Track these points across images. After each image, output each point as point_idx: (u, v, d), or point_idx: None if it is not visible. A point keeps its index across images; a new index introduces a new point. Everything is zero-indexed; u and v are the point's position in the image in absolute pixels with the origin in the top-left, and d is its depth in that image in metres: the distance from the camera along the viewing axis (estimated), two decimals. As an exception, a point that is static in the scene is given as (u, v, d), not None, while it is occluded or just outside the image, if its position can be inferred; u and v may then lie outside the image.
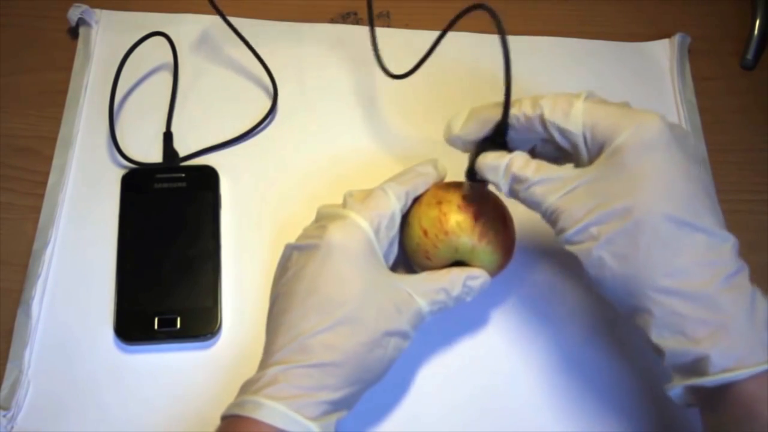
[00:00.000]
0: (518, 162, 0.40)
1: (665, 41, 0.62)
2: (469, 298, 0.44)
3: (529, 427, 0.47)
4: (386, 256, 0.44)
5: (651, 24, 0.64)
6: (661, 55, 0.62)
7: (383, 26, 0.62)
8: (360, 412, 0.43)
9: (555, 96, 0.40)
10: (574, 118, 0.39)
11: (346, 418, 0.40)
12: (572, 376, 0.48)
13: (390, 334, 0.41)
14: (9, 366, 0.46)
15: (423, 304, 0.42)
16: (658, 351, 0.37)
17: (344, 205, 0.44)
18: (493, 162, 0.41)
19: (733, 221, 0.54)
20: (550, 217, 0.39)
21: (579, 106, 0.39)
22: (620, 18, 0.64)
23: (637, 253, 0.36)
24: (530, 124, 0.40)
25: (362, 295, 0.40)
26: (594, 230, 0.37)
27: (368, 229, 0.42)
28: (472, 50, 0.60)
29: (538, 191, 0.39)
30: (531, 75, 0.60)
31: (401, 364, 0.47)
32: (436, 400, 0.47)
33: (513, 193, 0.41)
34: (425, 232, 0.45)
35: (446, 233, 0.44)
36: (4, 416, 0.44)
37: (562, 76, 0.60)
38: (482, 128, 0.42)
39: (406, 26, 0.62)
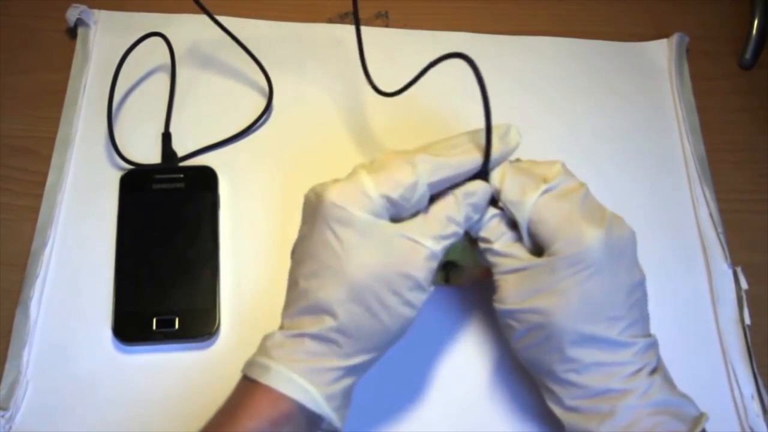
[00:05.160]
0: (490, 226, 0.42)
1: (663, 41, 0.62)
2: (477, 215, 0.42)
3: (530, 427, 0.46)
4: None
5: (650, 24, 0.64)
6: (660, 54, 0.62)
7: (382, 26, 0.62)
8: (361, 412, 0.42)
9: (518, 174, 0.41)
10: (522, 209, 0.40)
11: (349, 417, 0.40)
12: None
13: (399, 293, 0.39)
14: (7, 366, 0.46)
15: (431, 244, 0.39)
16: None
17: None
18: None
19: (733, 221, 0.55)
20: (493, 284, 0.42)
21: (532, 199, 0.40)
22: (620, 18, 0.64)
23: (547, 347, 0.40)
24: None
25: (365, 261, 0.38)
26: (519, 316, 0.41)
27: (370, 186, 0.39)
28: (468, 49, 0.60)
29: (490, 259, 0.42)
30: (531, 75, 0.60)
31: (403, 364, 0.47)
32: (437, 400, 0.47)
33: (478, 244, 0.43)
34: None
35: None
36: (3, 416, 0.44)
37: (562, 76, 0.60)
38: None
39: (405, 26, 0.62)
